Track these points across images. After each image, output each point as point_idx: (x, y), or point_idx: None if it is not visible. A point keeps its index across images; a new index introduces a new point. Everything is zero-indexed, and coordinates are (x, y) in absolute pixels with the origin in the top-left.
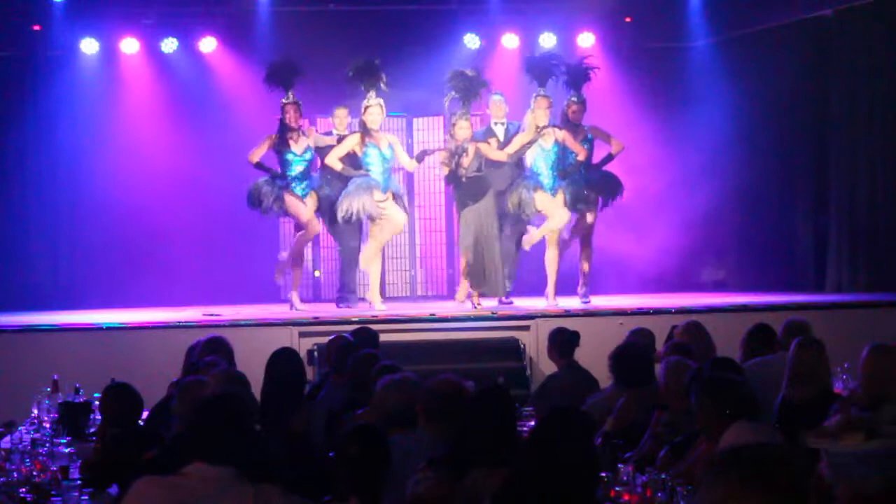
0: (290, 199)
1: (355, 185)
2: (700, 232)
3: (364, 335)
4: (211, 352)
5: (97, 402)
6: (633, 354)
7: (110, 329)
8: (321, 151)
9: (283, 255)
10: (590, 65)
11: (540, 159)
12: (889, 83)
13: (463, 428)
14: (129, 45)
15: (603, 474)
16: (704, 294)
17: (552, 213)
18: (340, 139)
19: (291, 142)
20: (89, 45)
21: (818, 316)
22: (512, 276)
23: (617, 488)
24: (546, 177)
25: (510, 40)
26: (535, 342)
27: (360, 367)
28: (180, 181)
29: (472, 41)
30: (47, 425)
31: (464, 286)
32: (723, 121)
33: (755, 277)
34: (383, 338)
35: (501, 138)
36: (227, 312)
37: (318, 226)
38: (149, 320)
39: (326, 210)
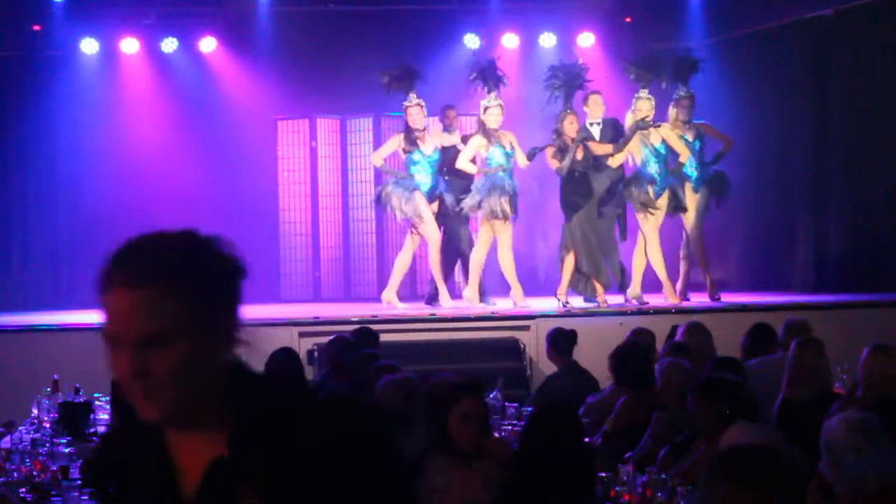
0: (419, 201)
1: (491, 184)
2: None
3: (364, 335)
4: None
5: (97, 402)
6: (633, 354)
7: None
8: (446, 151)
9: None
10: (698, 58)
11: (651, 158)
12: (890, 83)
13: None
14: (129, 45)
15: (603, 474)
16: (704, 294)
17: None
18: (464, 139)
19: (420, 142)
20: (89, 45)
21: (818, 316)
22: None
23: (617, 488)
24: (658, 175)
25: (510, 40)
26: (535, 342)
27: (360, 367)
28: (180, 181)
29: (472, 41)
30: (47, 425)
31: (564, 284)
32: (722, 120)
33: (755, 277)
34: (383, 338)
35: (598, 138)
36: None
37: (438, 232)
38: None
39: (449, 209)
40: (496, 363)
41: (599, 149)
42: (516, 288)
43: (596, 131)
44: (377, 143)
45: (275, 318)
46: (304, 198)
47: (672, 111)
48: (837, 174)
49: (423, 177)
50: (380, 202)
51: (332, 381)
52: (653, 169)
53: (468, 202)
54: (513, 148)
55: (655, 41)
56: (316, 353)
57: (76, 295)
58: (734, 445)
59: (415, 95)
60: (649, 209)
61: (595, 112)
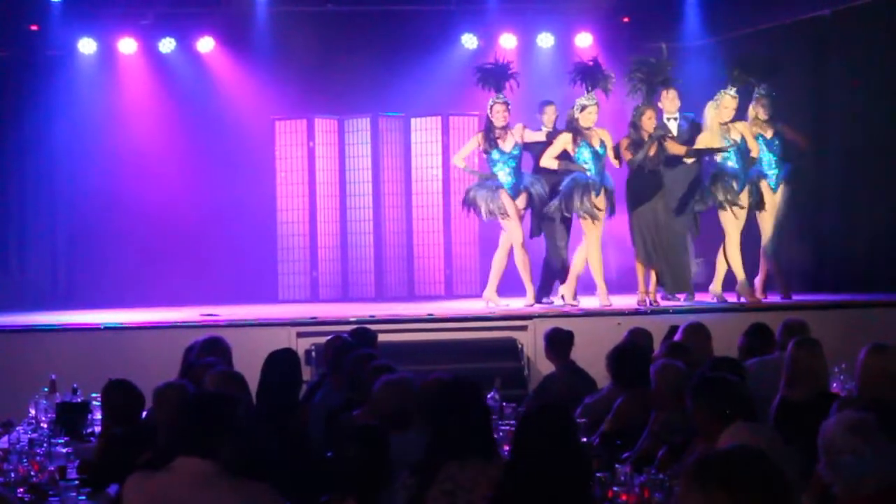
0: (505, 199)
1: (574, 183)
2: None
3: (362, 335)
4: (209, 352)
5: (95, 403)
6: (631, 354)
7: (108, 329)
8: (531, 148)
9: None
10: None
11: (733, 155)
12: (887, 83)
13: (436, 424)
14: (127, 45)
15: (600, 474)
16: (703, 294)
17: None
18: (550, 135)
19: (500, 140)
20: (87, 45)
21: (816, 316)
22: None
23: (615, 488)
24: (740, 172)
25: (508, 40)
26: (532, 342)
27: (358, 367)
28: (178, 181)
29: (469, 41)
30: (45, 426)
31: (642, 286)
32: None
33: (753, 277)
34: (381, 338)
35: (674, 133)
36: (225, 312)
37: (521, 230)
38: (146, 320)
39: (538, 207)
40: (494, 363)
41: (675, 148)
42: (601, 287)
43: (673, 126)
44: (375, 144)
45: (273, 319)
46: (302, 198)
47: (752, 110)
48: (835, 174)
49: (505, 175)
50: (466, 204)
51: (330, 382)
52: (734, 165)
53: (553, 203)
54: (604, 146)
55: (653, 41)
56: (313, 354)
57: (74, 295)
58: (706, 452)
59: (501, 94)
60: (735, 207)
61: (670, 107)
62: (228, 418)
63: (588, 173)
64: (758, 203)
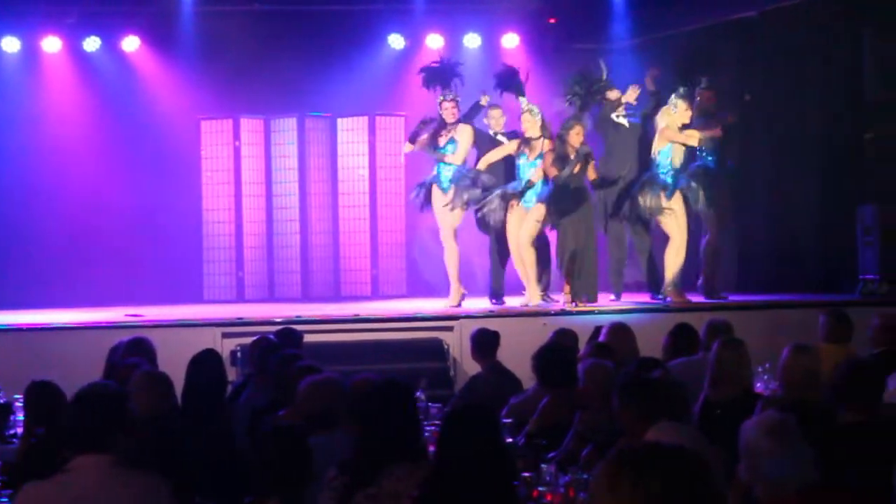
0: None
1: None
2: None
3: (288, 336)
4: (133, 353)
5: (17, 404)
6: (556, 355)
7: (31, 330)
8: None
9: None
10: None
11: (669, 160)
12: (814, 83)
13: (368, 426)
14: (51, 44)
15: (526, 474)
16: (628, 294)
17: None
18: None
19: (443, 138)
20: (10, 44)
21: (739, 316)
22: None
23: (540, 488)
24: (672, 177)
25: (434, 41)
26: (458, 343)
27: (283, 367)
28: (103, 181)
29: (396, 41)
30: None
31: (567, 290)
32: (648, 121)
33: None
34: (307, 338)
35: (626, 125)
36: (150, 313)
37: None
38: (70, 321)
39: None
40: (420, 364)
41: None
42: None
43: (623, 122)
44: (301, 144)
45: (198, 319)
46: (228, 198)
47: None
48: (759, 176)
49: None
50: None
51: (255, 382)
52: (669, 170)
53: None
54: (542, 157)
55: (579, 42)
56: (239, 354)
57: None
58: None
59: (449, 91)
60: (659, 216)
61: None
62: (117, 411)
63: (521, 182)
64: (695, 204)
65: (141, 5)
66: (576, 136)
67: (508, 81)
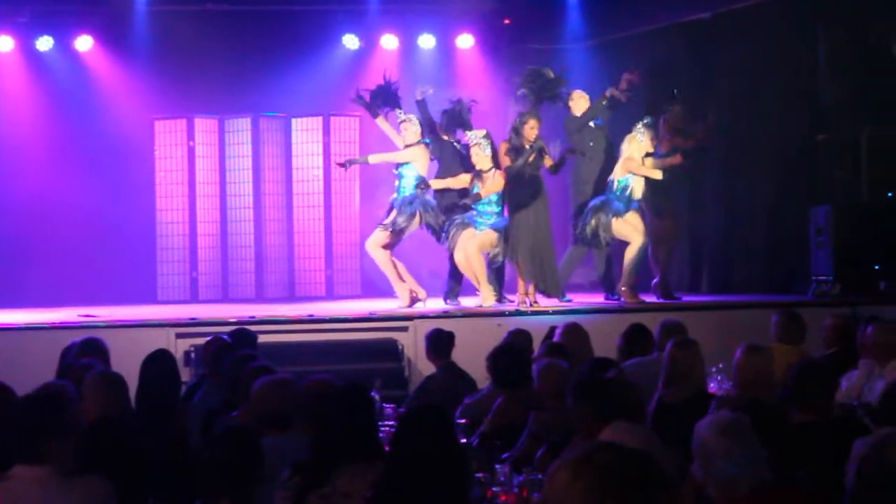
0: None
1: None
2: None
3: (242, 336)
4: (86, 353)
5: None
6: (510, 355)
7: None
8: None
9: None
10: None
11: (638, 188)
12: (768, 85)
13: (324, 427)
14: (3, 44)
15: (480, 475)
16: (582, 295)
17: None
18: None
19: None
20: None
21: (693, 316)
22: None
23: (494, 488)
24: (623, 201)
25: (389, 41)
26: (413, 343)
27: (237, 368)
28: (56, 181)
29: (351, 42)
30: None
31: (521, 287)
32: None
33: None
34: (262, 339)
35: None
36: (104, 313)
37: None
38: (23, 321)
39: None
40: (374, 364)
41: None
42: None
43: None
44: (256, 144)
45: (152, 319)
46: (182, 198)
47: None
48: (713, 175)
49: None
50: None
51: (209, 383)
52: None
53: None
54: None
55: (534, 43)
56: (193, 355)
57: None
58: (582, 448)
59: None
60: (602, 237)
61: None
62: (54, 421)
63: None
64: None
65: (94, 5)
66: (530, 130)
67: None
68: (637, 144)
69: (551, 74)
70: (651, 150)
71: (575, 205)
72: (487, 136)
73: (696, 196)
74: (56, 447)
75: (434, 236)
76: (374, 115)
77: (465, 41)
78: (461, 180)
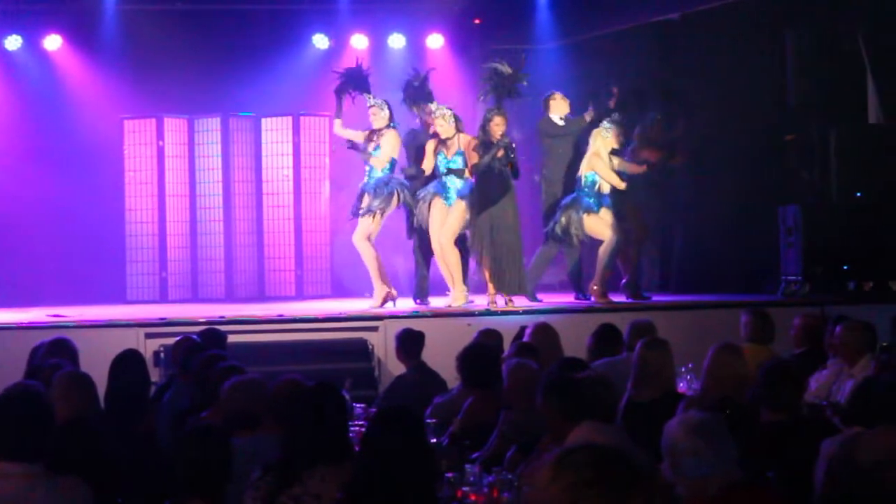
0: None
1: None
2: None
3: (211, 336)
4: (55, 353)
5: None
6: (480, 355)
7: None
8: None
9: None
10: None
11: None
12: (736, 85)
13: (295, 427)
14: None
15: (449, 475)
16: (552, 294)
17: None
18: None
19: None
20: None
21: (663, 316)
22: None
23: (464, 489)
24: (594, 196)
25: (359, 41)
26: (383, 343)
27: (206, 368)
28: (25, 180)
29: (321, 41)
30: None
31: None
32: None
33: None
34: (231, 339)
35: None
36: (72, 313)
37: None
38: None
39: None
40: (344, 364)
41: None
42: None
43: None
44: (225, 144)
45: (121, 319)
46: (151, 198)
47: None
48: (683, 175)
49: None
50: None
51: (179, 383)
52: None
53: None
54: (461, 153)
55: (504, 43)
56: (162, 355)
57: None
58: (571, 446)
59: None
60: (581, 236)
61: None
62: (31, 418)
63: (444, 179)
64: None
65: (63, 4)
66: (495, 127)
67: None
68: (602, 140)
69: (508, 71)
70: (617, 146)
71: (545, 203)
72: (452, 111)
73: (664, 196)
74: (35, 444)
75: (408, 220)
76: (338, 116)
77: (436, 41)
78: (427, 150)
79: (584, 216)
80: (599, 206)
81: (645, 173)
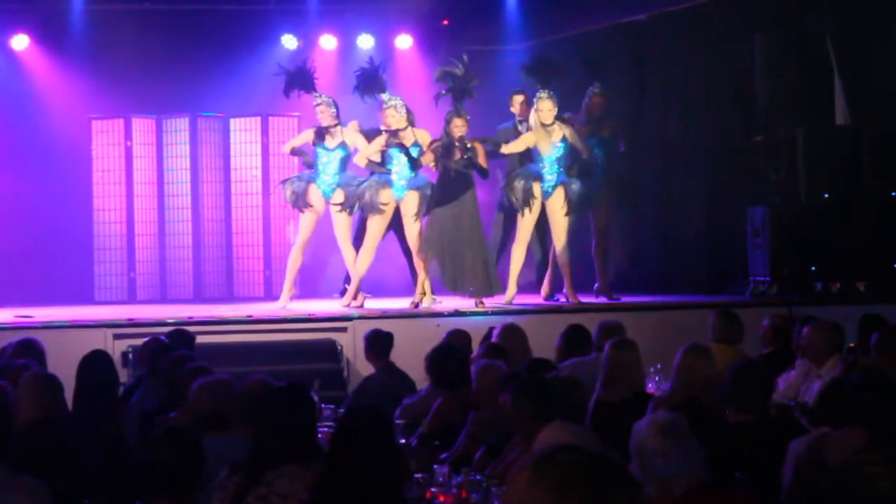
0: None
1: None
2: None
3: (179, 337)
4: (22, 354)
5: None
6: (449, 356)
7: None
8: None
9: None
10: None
11: (550, 154)
12: (704, 86)
13: (263, 428)
14: None
15: (418, 475)
16: (521, 295)
17: (553, 218)
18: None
19: (325, 138)
20: None
21: (631, 317)
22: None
23: (433, 489)
24: (549, 172)
25: (328, 41)
26: (352, 344)
27: (175, 369)
28: None
29: (289, 42)
30: None
31: (427, 287)
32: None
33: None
34: (199, 339)
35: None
36: (40, 314)
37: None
38: None
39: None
40: (313, 364)
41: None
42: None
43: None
44: (194, 144)
45: (88, 320)
46: (119, 198)
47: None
48: (651, 176)
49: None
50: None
51: (147, 383)
52: (543, 161)
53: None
54: (418, 146)
55: (473, 44)
56: (131, 355)
57: None
58: (549, 448)
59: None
60: (527, 207)
61: (547, 116)
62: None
63: (394, 174)
64: (575, 205)
65: (31, 3)
66: (456, 129)
67: (370, 82)
68: (534, 114)
69: (459, 72)
70: (548, 121)
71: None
72: (403, 102)
73: (632, 195)
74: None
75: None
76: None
77: (404, 41)
78: (378, 142)
79: (534, 184)
80: (557, 182)
81: (613, 171)
